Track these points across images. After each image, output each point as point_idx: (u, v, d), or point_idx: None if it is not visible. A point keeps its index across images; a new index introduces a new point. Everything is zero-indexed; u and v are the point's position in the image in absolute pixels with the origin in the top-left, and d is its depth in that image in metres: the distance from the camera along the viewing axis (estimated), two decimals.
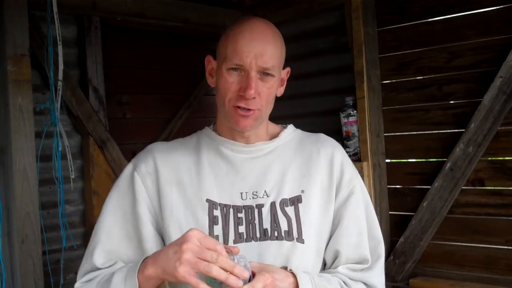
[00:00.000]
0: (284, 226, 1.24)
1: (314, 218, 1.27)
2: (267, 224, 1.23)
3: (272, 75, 1.23)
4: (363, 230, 1.32)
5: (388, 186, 2.87)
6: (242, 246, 1.19)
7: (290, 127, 1.39)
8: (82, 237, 2.92)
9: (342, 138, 2.89)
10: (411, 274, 2.76)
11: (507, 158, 2.50)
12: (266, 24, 1.26)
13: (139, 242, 1.25)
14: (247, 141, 1.31)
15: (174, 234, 1.22)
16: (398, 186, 2.86)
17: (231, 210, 1.24)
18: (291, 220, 1.25)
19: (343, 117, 2.85)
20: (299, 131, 1.40)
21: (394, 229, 2.84)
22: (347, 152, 2.82)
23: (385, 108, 2.86)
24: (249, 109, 1.22)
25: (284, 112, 3.28)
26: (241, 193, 1.26)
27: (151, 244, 1.24)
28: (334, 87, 3.07)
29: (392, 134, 2.86)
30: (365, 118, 2.77)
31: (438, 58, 2.68)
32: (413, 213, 2.72)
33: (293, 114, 3.24)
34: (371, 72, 2.81)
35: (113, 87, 3.10)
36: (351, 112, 2.82)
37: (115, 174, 2.95)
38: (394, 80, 2.85)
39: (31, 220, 2.37)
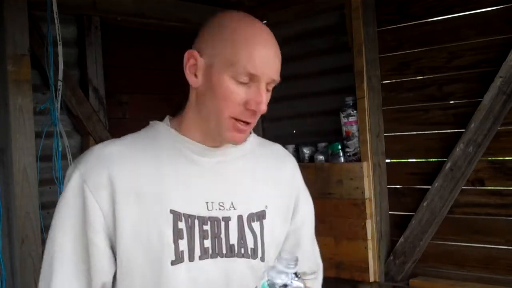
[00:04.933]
0: (250, 243, 1.16)
1: (275, 237, 1.22)
2: (233, 240, 1.14)
3: (275, 84, 1.13)
4: (316, 246, 1.35)
5: (388, 186, 2.86)
6: (207, 263, 1.11)
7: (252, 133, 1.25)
8: None
9: (342, 138, 2.89)
10: (411, 274, 2.76)
11: (507, 158, 2.50)
12: (268, 28, 1.14)
13: (89, 269, 1.09)
14: (219, 144, 1.17)
15: (135, 251, 1.08)
16: (398, 186, 2.86)
17: (196, 221, 1.11)
18: (257, 237, 1.17)
19: (343, 117, 2.84)
20: (255, 136, 1.28)
21: (394, 229, 2.84)
22: (347, 152, 2.86)
23: (385, 108, 2.86)
24: (248, 123, 1.10)
25: (284, 112, 3.28)
26: (207, 202, 1.12)
27: (99, 275, 1.09)
28: (334, 87, 3.07)
29: (392, 134, 2.86)
30: (365, 118, 2.77)
31: (438, 58, 2.68)
32: (413, 213, 2.72)
33: (293, 114, 3.25)
34: (371, 72, 2.81)
35: (113, 87, 3.09)
36: (351, 112, 2.82)
37: None
38: (394, 80, 2.85)
39: (31, 220, 2.37)
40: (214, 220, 1.12)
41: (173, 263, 1.08)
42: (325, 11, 3.06)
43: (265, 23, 1.17)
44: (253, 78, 1.07)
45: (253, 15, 1.16)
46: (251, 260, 1.16)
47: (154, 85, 3.37)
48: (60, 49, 2.51)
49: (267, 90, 1.11)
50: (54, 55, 2.52)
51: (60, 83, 2.51)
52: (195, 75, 1.11)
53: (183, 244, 1.09)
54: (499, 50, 2.47)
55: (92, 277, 1.09)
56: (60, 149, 2.56)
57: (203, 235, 1.11)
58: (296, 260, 0.99)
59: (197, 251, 1.10)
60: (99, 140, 2.88)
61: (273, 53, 1.09)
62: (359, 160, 2.80)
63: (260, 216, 1.18)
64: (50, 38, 2.51)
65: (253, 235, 1.16)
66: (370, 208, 2.75)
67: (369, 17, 2.81)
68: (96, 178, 1.07)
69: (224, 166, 1.16)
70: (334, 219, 2.84)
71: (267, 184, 1.22)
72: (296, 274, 0.99)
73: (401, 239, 2.75)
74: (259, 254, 1.17)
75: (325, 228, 2.86)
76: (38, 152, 2.51)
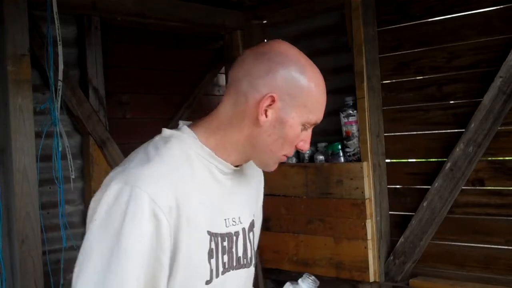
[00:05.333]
0: (249, 252, 1.24)
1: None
2: (240, 252, 1.21)
3: None
4: None
5: (388, 186, 2.86)
6: (225, 276, 1.16)
7: None
8: (82, 237, 2.91)
9: (342, 138, 2.89)
10: (411, 274, 2.76)
11: (507, 158, 2.51)
12: None
13: None
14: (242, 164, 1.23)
15: (182, 272, 1.08)
16: (398, 186, 2.86)
17: (219, 239, 1.15)
18: (252, 246, 1.26)
19: (343, 117, 2.84)
20: None
21: (394, 229, 2.84)
22: (347, 152, 2.86)
23: (385, 108, 2.86)
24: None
25: None
26: (225, 219, 1.17)
27: None
28: (334, 87, 3.07)
29: (392, 134, 2.86)
30: (365, 118, 2.77)
31: (438, 58, 2.69)
32: (413, 213, 2.72)
33: None
34: (371, 72, 2.81)
35: (113, 87, 3.10)
36: (351, 112, 2.82)
37: None
38: (394, 80, 2.85)
39: (31, 220, 2.37)
40: (230, 236, 1.18)
41: (207, 282, 1.12)
42: (325, 11, 3.07)
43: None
44: (313, 124, 1.17)
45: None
46: (249, 268, 1.25)
47: (154, 85, 3.38)
48: (60, 49, 2.51)
49: None
50: (54, 55, 2.52)
51: (60, 83, 2.51)
52: (266, 116, 1.12)
53: (213, 263, 1.13)
54: (499, 50, 2.47)
55: None
56: (60, 149, 2.56)
57: (223, 251, 1.16)
58: (317, 282, 1.08)
59: (220, 268, 1.15)
60: (99, 140, 2.88)
61: None
62: (359, 160, 2.80)
63: (252, 225, 1.26)
64: (50, 38, 2.51)
65: (250, 245, 1.24)
66: (370, 208, 2.75)
67: (369, 17, 2.81)
68: (167, 201, 1.04)
69: (233, 183, 1.20)
70: (334, 219, 2.84)
71: (253, 193, 1.30)
72: None
73: (401, 239, 2.75)
74: (253, 261, 1.27)
75: (325, 228, 2.86)
76: (38, 152, 2.51)
